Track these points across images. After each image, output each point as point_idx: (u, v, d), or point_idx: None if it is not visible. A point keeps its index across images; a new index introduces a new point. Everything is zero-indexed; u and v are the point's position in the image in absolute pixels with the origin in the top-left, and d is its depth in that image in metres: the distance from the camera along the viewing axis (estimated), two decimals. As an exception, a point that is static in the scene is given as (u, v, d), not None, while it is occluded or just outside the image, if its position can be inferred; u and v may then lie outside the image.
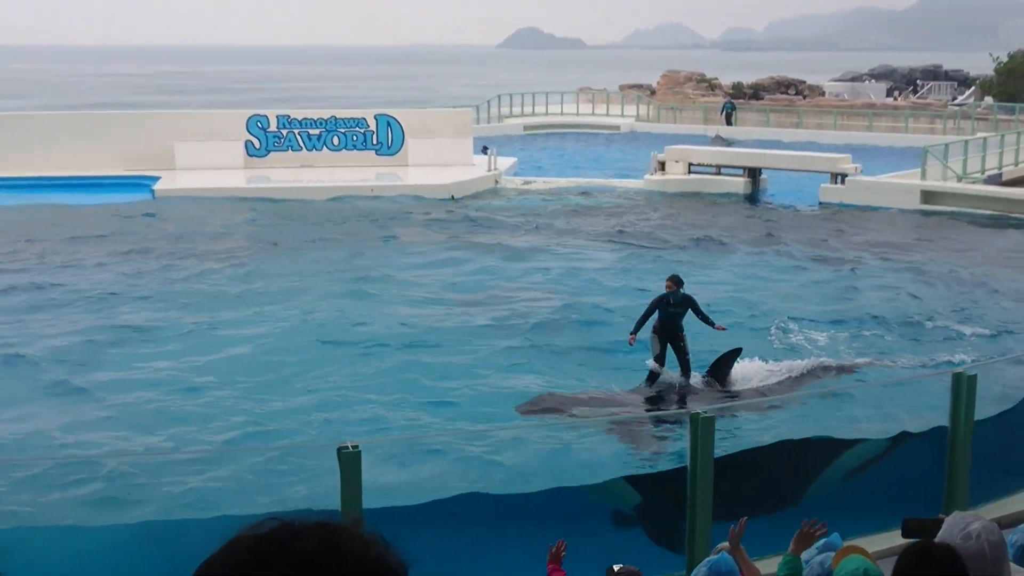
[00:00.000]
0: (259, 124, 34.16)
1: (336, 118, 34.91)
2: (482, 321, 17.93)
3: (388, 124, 35.00)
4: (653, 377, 14.47)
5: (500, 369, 15.30)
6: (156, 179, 30.93)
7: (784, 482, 10.17)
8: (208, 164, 32.43)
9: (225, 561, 1.43)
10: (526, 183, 33.63)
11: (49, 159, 31.70)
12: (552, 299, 19.42)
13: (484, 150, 34.16)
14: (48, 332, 17.06)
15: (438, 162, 34.05)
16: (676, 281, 14.48)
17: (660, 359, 14.53)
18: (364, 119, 34.99)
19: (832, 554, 5.27)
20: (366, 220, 27.27)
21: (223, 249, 23.41)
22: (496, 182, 33.15)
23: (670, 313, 14.45)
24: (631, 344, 14.35)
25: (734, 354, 14.69)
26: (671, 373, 14.55)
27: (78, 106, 64.19)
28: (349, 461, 7.25)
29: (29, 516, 10.27)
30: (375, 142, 34.92)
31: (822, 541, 6.09)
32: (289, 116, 34.68)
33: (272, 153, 34.12)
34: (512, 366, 15.45)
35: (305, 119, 34.69)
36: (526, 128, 51.26)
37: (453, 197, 30.34)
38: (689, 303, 14.57)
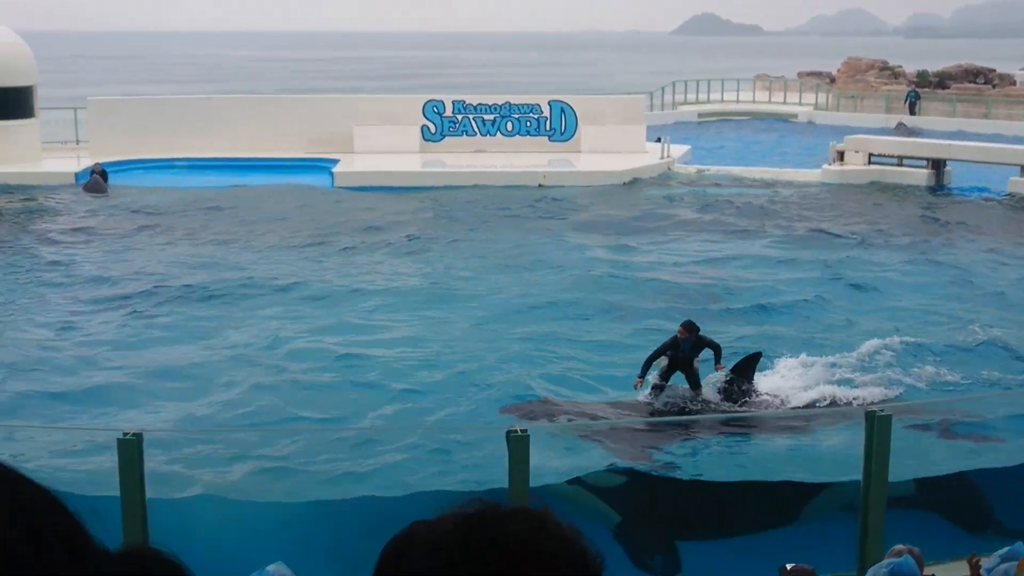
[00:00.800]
0: (435, 109, 34.71)
1: (510, 104, 35.18)
2: (657, 305, 17.85)
3: (562, 110, 35.08)
4: (658, 389, 13.51)
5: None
6: (335, 162, 31.79)
7: None
8: (385, 148, 33.13)
9: (430, 535, 1.39)
10: (700, 171, 33.23)
11: (236, 141, 32.92)
12: (714, 284, 19.35)
13: (658, 139, 33.93)
14: (229, 311, 17.79)
15: (610, 149, 33.95)
16: (689, 328, 13.47)
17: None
18: (538, 105, 35.16)
19: (1016, 563, 5.10)
20: (538, 206, 27.43)
21: (398, 232, 23.90)
22: (669, 169, 32.90)
23: (680, 358, 13.53)
24: (636, 388, 13.29)
25: (754, 360, 13.72)
26: (679, 386, 13.66)
27: (258, 90, 66.33)
28: (518, 445, 7.40)
29: (210, 486, 10.73)
30: (548, 128, 35.06)
31: (1005, 549, 5.88)
32: (464, 101, 35.12)
33: (447, 138, 34.63)
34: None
35: (480, 104, 35.07)
36: (700, 116, 50.58)
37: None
38: (706, 347, 13.57)
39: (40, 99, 32.20)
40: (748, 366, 13.62)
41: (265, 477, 11.04)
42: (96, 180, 28.52)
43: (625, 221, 25.54)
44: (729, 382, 13.46)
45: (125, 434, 8.34)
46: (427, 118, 34.63)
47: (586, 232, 24.42)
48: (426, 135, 34.56)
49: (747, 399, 13.31)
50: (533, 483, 7.56)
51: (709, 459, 12.06)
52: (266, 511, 10.55)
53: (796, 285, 19.48)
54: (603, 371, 14.67)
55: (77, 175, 29.68)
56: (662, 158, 32.96)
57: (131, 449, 8.19)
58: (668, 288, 19.27)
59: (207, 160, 32.03)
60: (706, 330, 13.86)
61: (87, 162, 30.46)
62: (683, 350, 13.38)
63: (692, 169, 33.45)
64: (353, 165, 31.68)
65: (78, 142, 33.84)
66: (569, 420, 12.97)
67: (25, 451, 11.28)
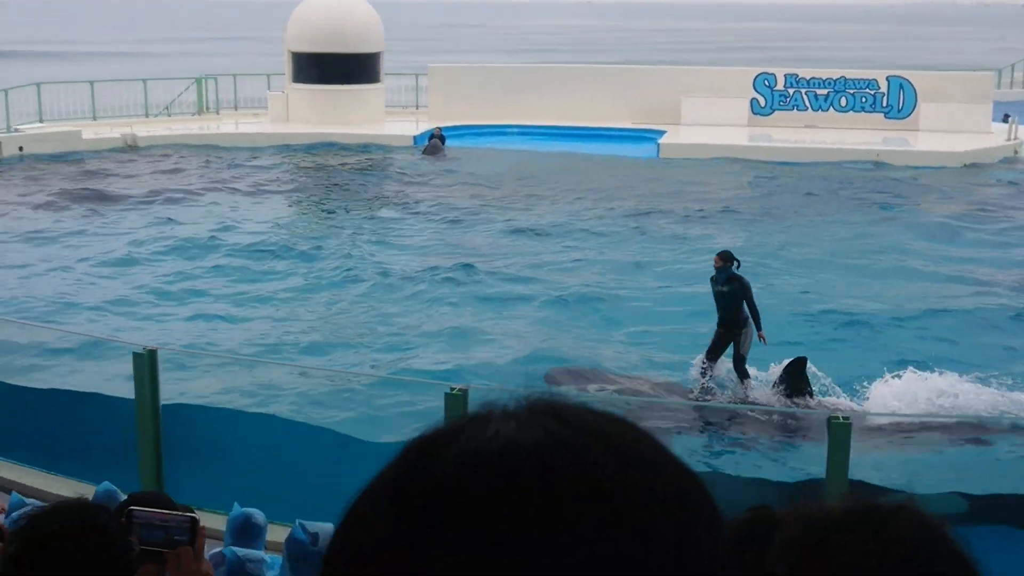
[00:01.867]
0: (766, 82, 33.98)
1: (845, 78, 33.90)
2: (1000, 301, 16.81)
3: (900, 86, 33.46)
4: (704, 373, 12.71)
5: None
6: (662, 133, 31.78)
7: None
8: (713, 120, 32.78)
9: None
10: (1051, 156, 30.84)
11: (565, 110, 33.54)
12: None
13: (1005, 118, 31.75)
14: (546, 277, 18.21)
15: (951, 128, 32.08)
16: (724, 257, 12.70)
17: (712, 354, 12.79)
18: (875, 80, 33.69)
19: None
20: (870, 187, 26.35)
21: (722, 207, 23.66)
22: (1016, 153, 30.72)
23: (716, 293, 12.75)
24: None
25: (800, 365, 12.41)
26: (731, 383, 12.67)
27: (590, 60, 67.14)
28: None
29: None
30: (885, 104, 33.54)
31: None
32: (797, 75, 34.17)
33: (776, 112, 33.84)
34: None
35: (813, 79, 34.02)
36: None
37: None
38: (739, 286, 12.59)
39: (385, 65, 34.02)
40: (796, 372, 12.36)
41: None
42: (435, 143, 29.93)
43: (961, 208, 24.09)
44: (786, 386, 12.29)
45: (452, 389, 8.75)
46: (757, 91, 33.96)
47: (917, 217, 23.24)
48: (755, 108, 33.90)
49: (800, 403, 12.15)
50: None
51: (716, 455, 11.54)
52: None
53: None
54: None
55: (415, 138, 31.21)
56: (1009, 140, 30.82)
57: (457, 401, 8.59)
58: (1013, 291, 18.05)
59: (537, 128, 32.84)
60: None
61: (425, 126, 31.97)
62: (718, 282, 12.77)
63: (1043, 153, 31.10)
64: (679, 137, 31.55)
65: (417, 107, 35.53)
66: (600, 390, 12.54)
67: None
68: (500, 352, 14.34)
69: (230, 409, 11.42)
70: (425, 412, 11.22)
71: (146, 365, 9.48)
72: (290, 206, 24.28)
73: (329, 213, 23.47)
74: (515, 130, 32.99)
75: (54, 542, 2.40)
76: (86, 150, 28.44)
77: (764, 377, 12.78)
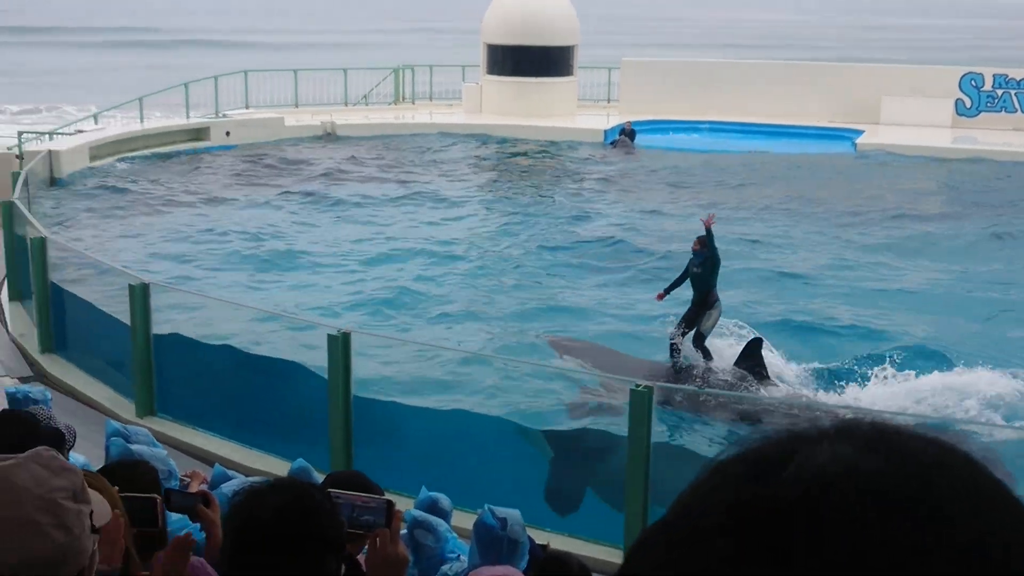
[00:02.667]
0: (973, 83, 32.58)
1: (1060, 80, 32.25)
2: None
3: (1123, 89, 31.60)
4: (674, 351, 13.59)
5: None
6: (859, 133, 30.88)
7: None
8: (914, 121, 31.64)
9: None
10: None
11: (759, 107, 32.96)
12: None
13: None
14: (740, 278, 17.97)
15: None
16: (702, 243, 13.39)
17: (685, 328, 13.61)
18: (1093, 82, 31.93)
19: None
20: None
21: (919, 209, 22.88)
22: None
23: (692, 275, 13.64)
24: (659, 300, 13.98)
25: (757, 345, 13.12)
26: (699, 361, 13.44)
27: (786, 56, 65.75)
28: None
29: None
30: (1102, 108, 31.73)
31: None
32: (1007, 76, 32.64)
33: (983, 113, 32.41)
34: None
35: (1024, 79, 32.50)
36: None
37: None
38: (711, 267, 13.40)
39: (579, 59, 34.12)
40: (752, 354, 13.05)
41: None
42: (624, 139, 29.90)
43: None
44: (746, 363, 13.02)
45: (638, 386, 8.75)
46: (963, 92, 32.59)
47: None
48: (960, 109, 32.57)
49: (756, 386, 12.86)
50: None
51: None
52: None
53: None
54: None
55: (606, 132, 31.19)
56: None
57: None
58: None
59: (729, 124, 32.39)
60: None
61: (616, 120, 31.93)
62: (694, 264, 13.57)
63: None
64: (878, 136, 30.59)
65: (608, 101, 35.51)
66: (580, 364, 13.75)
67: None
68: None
69: (410, 403, 11.70)
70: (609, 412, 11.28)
71: (340, 347, 9.80)
72: (481, 197, 24.64)
73: (518, 204, 23.71)
74: (707, 126, 32.62)
75: (274, 519, 2.51)
76: (287, 137, 29.50)
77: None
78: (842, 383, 13.06)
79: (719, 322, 13.72)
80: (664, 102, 33.30)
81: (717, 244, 13.49)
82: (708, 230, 13.36)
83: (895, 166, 27.64)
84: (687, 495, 0.84)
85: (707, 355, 13.52)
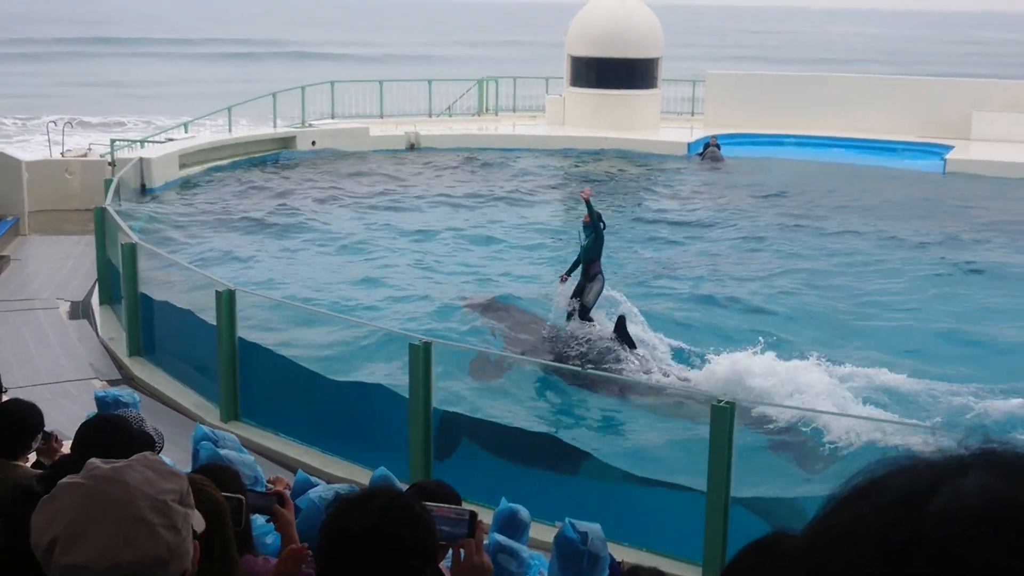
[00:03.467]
0: (1069, 98, 31.82)
1: None
2: None
3: None
4: (569, 317, 14.64)
5: None
6: (949, 148, 30.30)
7: None
8: (1008, 136, 30.95)
9: None
10: None
11: (845, 121, 32.51)
12: None
13: None
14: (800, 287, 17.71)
15: None
16: (591, 216, 14.29)
17: (575, 299, 14.58)
18: None
19: None
20: None
21: (1012, 228, 22.36)
22: None
23: (581, 249, 14.56)
24: (562, 283, 14.87)
25: (622, 322, 14.24)
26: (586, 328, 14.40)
27: (869, 70, 64.88)
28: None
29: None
30: None
31: None
32: (1105, 91, 31.83)
33: (1081, 130, 31.60)
34: None
35: (1123, 95, 31.62)
36: None
37: None
38: (594, 240, 14.32)
39: (663, 71, 33.98)
40: (620, 328, 14.18)
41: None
42: (713, 149, 29.76)
43: None
44: (617, 334, 14.11)
45: (719, 401, 8.66)
46: (1058, 107, 31.83)
47: None
48: (1057, 126, 31.78)
49: (618, 354, 13.88)
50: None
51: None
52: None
53: None
54: None
55: (689, 145, 31.01)
56: None
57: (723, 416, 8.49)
58: None
59: (815, 138, 32.00)
60: None
61: (699, 133, 31.73)
62: (582, 237, 14.53)
63: None
64: (968, 152, 29.98)
65: (692, 114, 35.31)
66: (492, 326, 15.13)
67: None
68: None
69: (490, 418, 11.71)
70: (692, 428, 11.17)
71: (420, 356, 9.85)
72: (564, 209, 24.62)
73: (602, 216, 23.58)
74: (792, 140, 32.26)
75: (374, 528, 2.52)
76: (372, 148, 29.79)
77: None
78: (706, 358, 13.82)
79: (605, 293, 14.74)
80: (749, 115, 33.02)
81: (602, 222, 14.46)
82: (587, 202, 14.23)
83: (985, 183, 27.04)
84: (829, 523, 0.83)
85: (590, 322, 14.60)
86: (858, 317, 16.38)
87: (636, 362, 13.77)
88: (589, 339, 14.21)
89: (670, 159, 30.16)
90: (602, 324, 14.54)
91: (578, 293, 14.61)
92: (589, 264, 14.45)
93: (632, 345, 14.06)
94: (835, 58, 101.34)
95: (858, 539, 0.79)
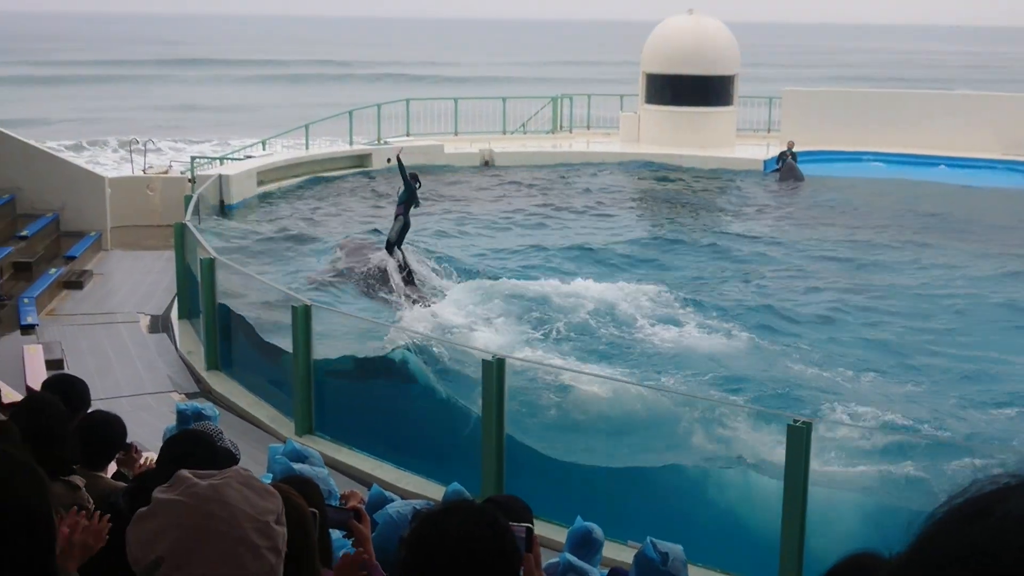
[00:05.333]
0: None
1: None
2: None
3: None
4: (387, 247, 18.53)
5: None
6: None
7: None
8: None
9: None
10: None
11: (925, 138, 31.99)
12: None
13: None
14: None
15: None
16: (400, 172, 18.56)
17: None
18: None
19: None
20: None
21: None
22: None
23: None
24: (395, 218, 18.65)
25: (406, 263, 18.27)
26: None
27: (945, 86, 63.86)
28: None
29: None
30: None
31: None
32: None
33: None
34: None
35: None
36: None
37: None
38: (405, 191, 18.44)
39: (739, 88, 33.74)
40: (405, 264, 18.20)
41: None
42: (791, 163, 29.44)
43: None
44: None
45: (796, 421, 8.54)
46: None
47: None
48: None
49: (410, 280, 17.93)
50: None
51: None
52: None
53: None
54: None
55: (765, 162, 30.72)
56: None
57: (800, 435, 8.37)
58: None
59: (895, 155, 31.55)
60: None
61: (775, 151, 31.42)
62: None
63: None
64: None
65: (768, 131, 34.99)
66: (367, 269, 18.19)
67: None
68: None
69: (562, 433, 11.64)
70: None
71: (494, 372, 9.85)
72: (640, 226, 24.48)
73: (677, 235, 23.43)
74: (871, 157, 31.82)
75: (463, 543, 2.51)
76: (446, 164, 29.92)
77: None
78: None
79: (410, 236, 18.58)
80: (826, 132, 32.61)
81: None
82: (398, 159, 18.93)
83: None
84: (941, 544, 0.82)
85: (392, 254, 18.30)
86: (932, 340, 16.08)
87: (406, 290, 17.42)
88: (383, 267, 17.98)
89: (746, 175, 29.90)
90: (406, 259, 18.32)
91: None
92: (397, 208, 18.45)
93: (410, 276, 17.95)
94: (910, 77, 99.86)
95: (986, 561, 0.77)
